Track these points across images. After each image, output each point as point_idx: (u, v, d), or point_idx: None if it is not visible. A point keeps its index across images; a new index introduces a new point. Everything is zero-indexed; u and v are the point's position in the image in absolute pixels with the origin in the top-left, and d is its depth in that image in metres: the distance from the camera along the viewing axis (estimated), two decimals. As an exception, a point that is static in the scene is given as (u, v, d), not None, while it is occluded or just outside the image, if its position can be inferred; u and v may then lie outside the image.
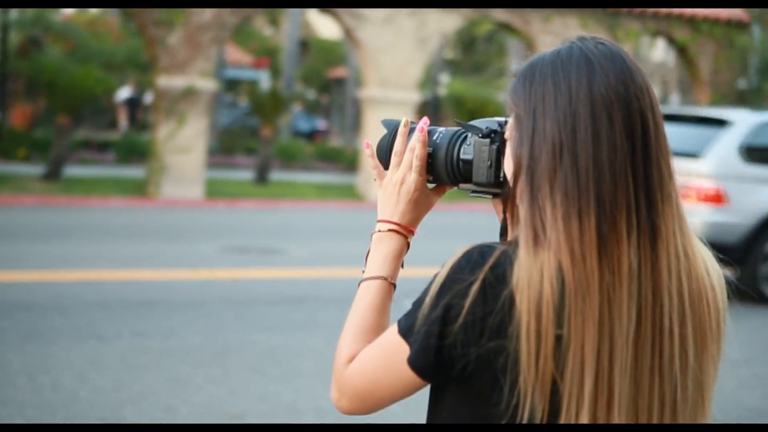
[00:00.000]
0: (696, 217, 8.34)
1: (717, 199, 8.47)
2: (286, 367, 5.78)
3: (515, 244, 1.26)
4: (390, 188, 1.47)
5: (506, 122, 1.39)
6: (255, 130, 21.79)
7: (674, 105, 26.57)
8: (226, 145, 22.24)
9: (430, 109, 23.04)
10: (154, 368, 5.60)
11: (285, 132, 25.43)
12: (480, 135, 1.39)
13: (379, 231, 1.47)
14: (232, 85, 29.42)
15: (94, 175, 16.65)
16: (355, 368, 1.35)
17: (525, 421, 1.22)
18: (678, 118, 9.36)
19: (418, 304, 1.28)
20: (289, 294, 8.06)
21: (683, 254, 1.28)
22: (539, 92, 1.27)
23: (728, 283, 1.38)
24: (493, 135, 1.39)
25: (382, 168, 1.51)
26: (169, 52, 14.58)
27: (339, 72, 32.57)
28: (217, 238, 10.86)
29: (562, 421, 1.23)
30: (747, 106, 16.39)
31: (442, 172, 1.45)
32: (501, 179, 1.37)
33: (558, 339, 1.21)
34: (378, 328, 1.39)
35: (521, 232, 1.25)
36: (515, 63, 1.40)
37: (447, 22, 16.32)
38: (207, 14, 14.71)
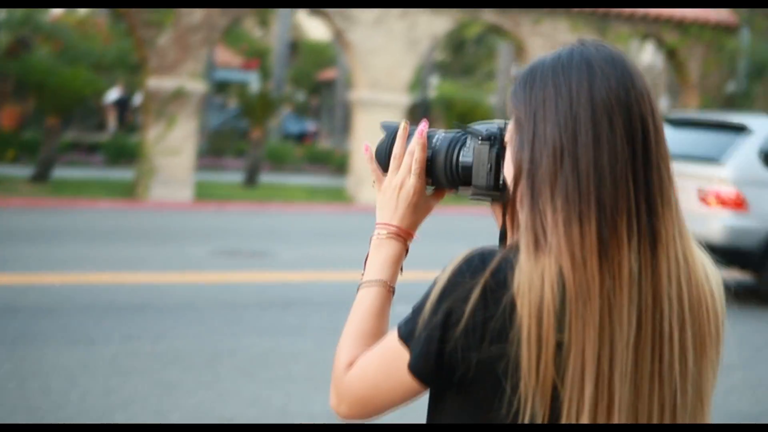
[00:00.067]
0: (716, 222, 8.45)
1: (737, 204, 8.55)
2: (277, 371, 5.76)
3: (516, 248, 1.25)
4: (389, 192, 1.47)
5: (506, 126, 1.38)
6: (244, 132, 21.74)
7: (662, 108, 26.66)
8: (215, 147, 22.18)
9: (420, 111, 23.04)
10: (144, 372, 5.57)
11: (275, 134, 25.39)
12: (480, 139, 1.39)
13: (378, 235, 1.46)
14: (221, 87, 29.36)
15: (82, 176, 16.59)
16: (355, 373, 1.34)
17: (525, 427, 1.22)
18: (697, 124, 9.49)
19: (418, 309, 1.27)
20: (279, 297, 8.04)
21: (683, 259, 1.28)
22: (540, 96, 1.27)
23: (726, 288, 1.38)
24: (492, 139, 1.38)
25: (380, 172, 1.51)
26: (158, 53, 14.54)
27: (329, 74, 32.55)
28: (207, 241, 10.82)
29: (563, 426, 1.23)
30: (736, 110, 16.46)
31: (442, 176, 1.44)
32: (500, 183, 1.37)
33: (559, 344, 1.21)
34: (377, 333, 1.39)
35: (522, 237, 1.25)
36: (513, 68, 1.39)
37: (437, 24, 16.33)
38: (197, 15, 14.68)
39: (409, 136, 1.47)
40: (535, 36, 16.68)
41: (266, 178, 18.37)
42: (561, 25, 16.85)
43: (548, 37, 16.67)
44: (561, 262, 1.21)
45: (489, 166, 1.37)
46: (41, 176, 15.28)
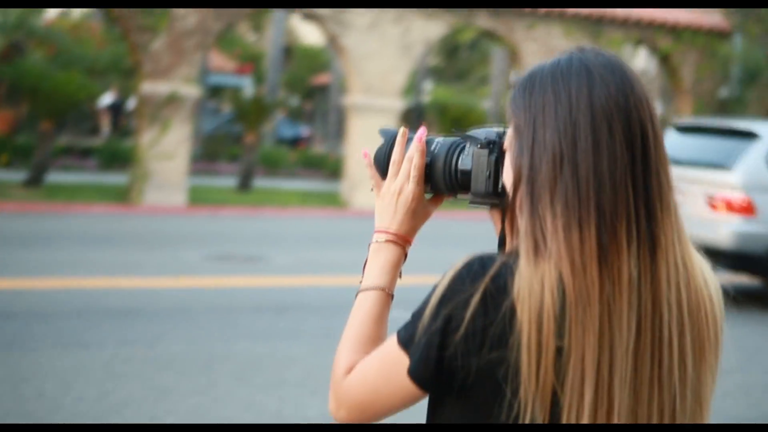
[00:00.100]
0: (725, 227, 8.50)
1: (746, 209, 8.62)
2: (271, 376, 5.75)
3: (516, 254, 1.25)
4: (387, 198, 1.47)
5: (504, 132, 1.38)
6: (238, 136, 21.74)
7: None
8: (209, 152, 22.16)
9: (414, 116, 23.06)
10: (138, 377, 5.56)
11: (268, 139, 25.39)
12: (478, 145, 1.39)
13: (377, 241, 1.46)
14: (215, 92, 29.36)
15: (76, 181, 16.56)
16: (354, 379, 1.34)
17: (525, 432, 1.22)
18: (706, 130, 9.57)
19: (418, 314, 1.27)
20: (274, 302, 8.03)
21: (682, 265, 1.28)
22: (539, 102, 1.27)
23: (725, 293, 1.38)
24: (491, 145, 1.38)
25: (379, 177, 1.51)
26: (152, 57, 14.53)
27: (323, 79, 32.56)
28: (201, 246, 10.81)
29: (562, 431, 1.23)
30: (729, 116, 16.51)
31: (440, 182, 1.45)
32: (499, 189, 1.37)
33: (558, 350, 1.21)
34: (376, 338, 1.39)
35: (522, 243, 1.25)
36: (511, 74, 1.40)
37: (431, 29, 16.35)
38: (191, 20, 14.67)
39: (408, 141, 1.47)
40: (528, 41, 16.71)
41: (260, 182, 18.36)
42: (555, 30, 16.88)
43: (542, 42, 16.70)
44: (561, 267, 1.21)
45: (488, 172, 1.38)
46: (35, 181, 15.25)
